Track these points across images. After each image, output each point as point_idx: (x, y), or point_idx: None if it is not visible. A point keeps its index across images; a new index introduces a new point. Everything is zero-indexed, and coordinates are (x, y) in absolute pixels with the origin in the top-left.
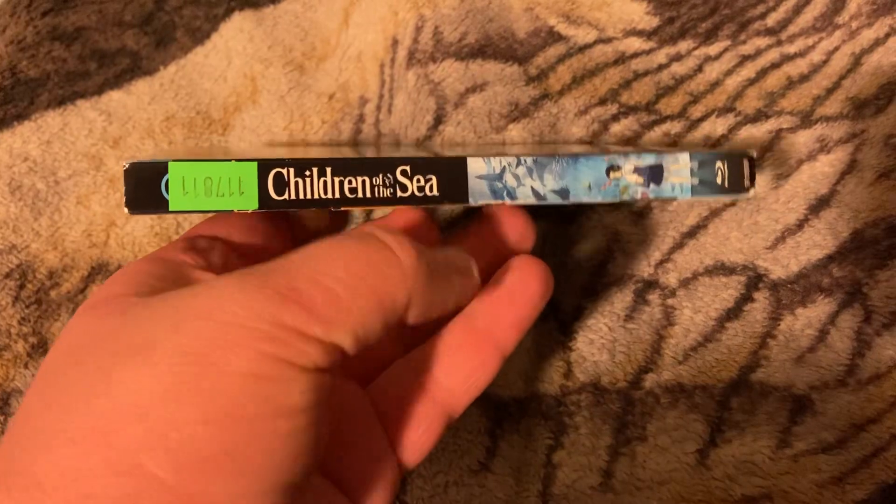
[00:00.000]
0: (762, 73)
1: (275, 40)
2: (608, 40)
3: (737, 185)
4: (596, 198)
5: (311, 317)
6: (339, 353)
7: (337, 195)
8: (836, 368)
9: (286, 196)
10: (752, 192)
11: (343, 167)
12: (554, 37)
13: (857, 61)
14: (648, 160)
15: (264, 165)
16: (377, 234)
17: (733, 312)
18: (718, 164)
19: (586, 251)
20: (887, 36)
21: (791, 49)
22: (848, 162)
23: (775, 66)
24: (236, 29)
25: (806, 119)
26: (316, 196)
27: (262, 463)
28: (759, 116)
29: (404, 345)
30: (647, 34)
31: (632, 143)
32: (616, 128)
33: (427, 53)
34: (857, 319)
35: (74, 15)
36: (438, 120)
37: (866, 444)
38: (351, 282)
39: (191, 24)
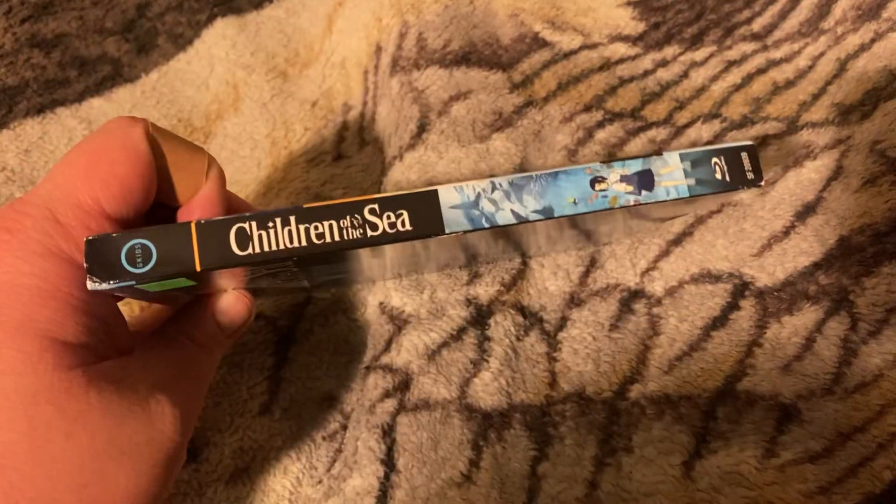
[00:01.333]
0: (748, 79)
1: (258, 47)
2: (593, 46)
3: (740, 178)
4: (584, 211)
5: (82, 212)
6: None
7: (304, 243)
8: (822, 377)
9: (250, 251)
10: (762, 182)
11: (307, 214)
12: (539, 43)
13: (842, 67)
14: (634, 167)
15: (224, 223)
16: (112, 129)
17: (719, 321)
18: (714, 160)
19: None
20: (872, 41)
21: (777, 54)
22: (834, 168)
23: (761, 71)
24: (219, 35)
25: (792, 125)
26: (282, 247)
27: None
28: (745, 122)
29: None
30: (633, 40)
31: (617, 150)
32: (601, 135)
33: (411, 60)
34: (843, 327)
35: (54, 22)
36: (422, 128)
37: (853, 453)
38: (105, 179)
39: (173, 30)
